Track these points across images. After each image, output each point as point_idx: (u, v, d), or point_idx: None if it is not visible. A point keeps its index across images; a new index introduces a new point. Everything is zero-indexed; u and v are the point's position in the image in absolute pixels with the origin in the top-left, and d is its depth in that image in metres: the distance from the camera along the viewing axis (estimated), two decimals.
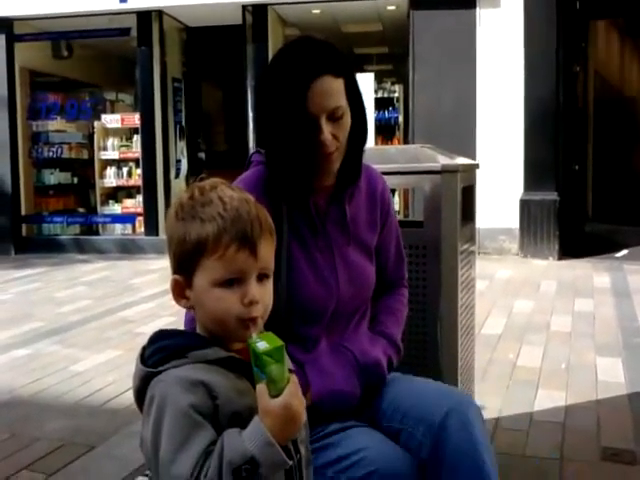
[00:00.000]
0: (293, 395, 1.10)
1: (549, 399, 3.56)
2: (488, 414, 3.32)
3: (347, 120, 1.71)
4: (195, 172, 9.61)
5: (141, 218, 9.30)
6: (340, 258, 1.78)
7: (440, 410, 1.61)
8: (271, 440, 1.06)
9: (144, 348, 1.20)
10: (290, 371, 1.15)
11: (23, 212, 9.56)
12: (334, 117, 1.67)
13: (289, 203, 1.74)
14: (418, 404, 1.67)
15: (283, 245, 1.69)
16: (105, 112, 9.75)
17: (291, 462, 1.10)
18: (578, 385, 3.75)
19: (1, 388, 4.00)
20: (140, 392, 1.17)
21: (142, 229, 9.27)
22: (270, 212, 1.66)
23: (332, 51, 1.69)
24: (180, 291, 1.19)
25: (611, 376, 3.88)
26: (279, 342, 1.12)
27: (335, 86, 1.66)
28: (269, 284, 1.21)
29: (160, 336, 1.21)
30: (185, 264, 1.18)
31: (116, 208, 9.55)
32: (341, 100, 1.68)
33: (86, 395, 3.86)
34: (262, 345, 1.11)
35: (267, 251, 1.19)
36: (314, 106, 1.64)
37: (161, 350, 1.16)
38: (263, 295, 1.18)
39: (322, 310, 1.74)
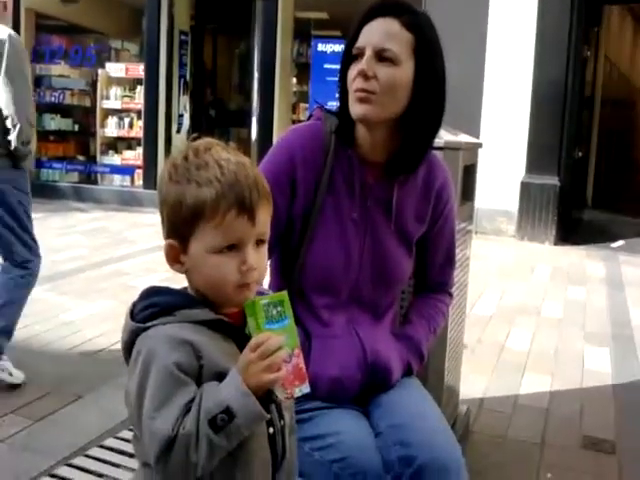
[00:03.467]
0: (252, 348, 1.08)
1: (535, 384, 3.60)
2: (473, 394, 3.35)
3: (400, 73, 1.60)
4: (198, 128, 9.54)
5: (140, 171, 9.25)
6: (372, 236, 1.70)
7: (428, 454, 1.51)
8: (246, 390, 1.06)
9: (134, 303, 1.19)
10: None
11: None
12: (382, 57, 1.58)
13: (337, 161, 1.68)
14: (413, 429, 1.56)
15: (317, 201, 1.66)
16: (110, 60, 9.63)
17: (269, 416, 1.11)
18: (564, 372, 3.79)
19: None
20: (128, 346, 1.17)
21: (140, 182, 9.23)
22: (316, 168, 1.66)
23: (404, 4, 1.64)
24: (175, 256, 1.17)
25: (598, 365, 3.92)
26: (259, 298, 1.13)
27: (395, 30, 1.59)
28: (264, 249, 1.20)
29: (151, 292, 1.20)
30: (180, 229, 1.16)
31: (116, 159, 9.49)
32: (397, 47, 1.58)
33: (76, 344, 3.88)
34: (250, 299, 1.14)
35: (264, 216, 1.18)
36: (363, 38, 1.60)
37: (151, 306, 1.16)
38: (259, 261, 1.18)
39: (337, 281, 1.68)
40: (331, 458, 1.54)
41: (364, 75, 1.58)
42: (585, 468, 2.78)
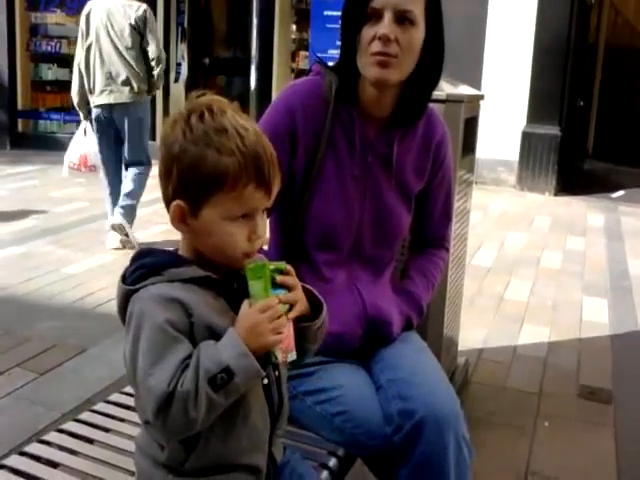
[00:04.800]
0: (261, 310, 1.12)
1: (533, 334, 3.64)
2: (472, 344, 3.40)
3: (418, 34, 1.59)
4: (195, 78, 9.42)
5: None
6: (372, 193, 1.71)
7: (428, 407, 1.51)
8: (245, 349, 1.09)
9: (126, 268, 1.21)
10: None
11: (19, 107, 9.40)
12: (403, 19, 1.55)
13: (337, 117, 1.67)
14: (413, 382, 1.58)
15: (317, 158, 1.66)
16: None
17: (265, 373, 1.14)
18: (563, 322, 3.83)
19: None
20: (122, 310, 1.19)
21: None
22: (316, 123, 1.65)
23: None
24: (181, 217, 1.17)
25: (596, 316, 3.96)
26: (268, 263, 1.17)
27: None
28: (265, 216, 1.22)
29: (139, 255, 1.22)
30: (194, 193, 1.15)
31: None
32: (416, 8, 1.56)
33: (79, 297, 3.91)
34: (251, 262, 1.17)
35: (276, 189, 1.20)
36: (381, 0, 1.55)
37: (139, 268, 1.18)
38: (264, 229, 1.21)
39: (338, 237, 1.69)
40: (333, 411, 1.58)
41: (386, 39, 1.55)
42: (582, 417, 2.84)
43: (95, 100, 4.84)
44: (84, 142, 5.06)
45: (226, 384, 1.08)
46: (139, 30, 4.78)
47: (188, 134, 1.15)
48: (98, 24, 4.78)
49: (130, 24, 4.75)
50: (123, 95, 4.80)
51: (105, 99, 4.80)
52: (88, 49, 4.81)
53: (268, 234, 1.78)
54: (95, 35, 4.79)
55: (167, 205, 1.19)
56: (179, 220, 1.17)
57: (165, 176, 1.18)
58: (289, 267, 1.20)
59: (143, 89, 4.89)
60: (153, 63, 4.83)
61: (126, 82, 4.78)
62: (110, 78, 4.77)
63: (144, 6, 4.86)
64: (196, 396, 1.07)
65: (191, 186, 1.15)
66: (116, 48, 4.77)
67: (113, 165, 5.03)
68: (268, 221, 1.75)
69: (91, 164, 5.08)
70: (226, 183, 1.13)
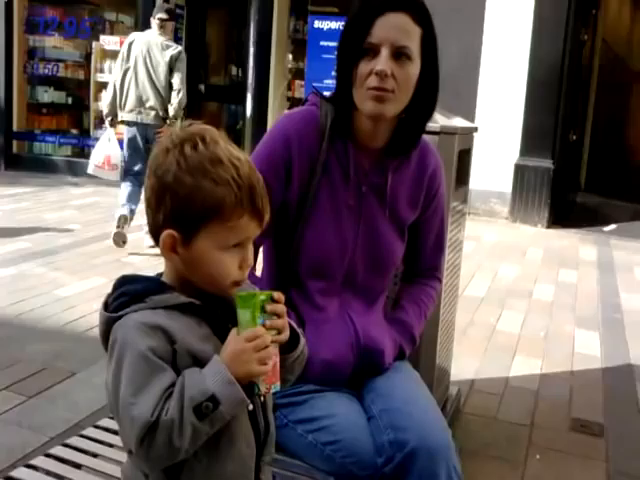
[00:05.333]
0: (248, 338, 1.11)
1: (525, 366, 3.63)
2: (464, 375, 3.39)
3: (414, 70, 1.60)
4: (192, 104, 9.44)
5: None
6: (366, 222, 1.72)
7: (419, 439, 1.50)
8: (231, 378, 1.08)
9: (108, 295, 1.20)
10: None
11: (15, 128, 9.42)
12: (400, 55, 1.57)
13: (332, 147, 1.68)
14: (404, 413, 1.57)
15: (312, 187, 1.67)
16: (104, 33, 9.52)
17: (249, 401, 1.12)
18: (554, 355, 3.82)
19: None
20: (104, 338, 1.17)
21: None
22: (311, 153, 1.67)
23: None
24: (173, 246, 1.16)
25: (587, 349, 3.95)
26: (258, 293, 1.17)
27: (409, 27, 1.57)
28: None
29: (121, 282, 1.20)
30: (188, 222, 1.14)
31: None
32: (412, 44, 1.57)
33: (70, 320, 3.88)
34: (243, 290, 1.17)
35: (267, 219, 1.20)
36: (377, 34, 1.56)
37: (121, 296, 1.16)
38: (252, 256, 1.21)
39: (331, 266, 1.69)
40: (324, 440, 1.56)
41: (383, 75, 1.56)
42: (573, 450, 2.82)
43: (124, 116, 5.65)
44: (108, 146, 5.81)
45: (211, 412, 1.07)
46: (171, 66, 5.57)
47: (183, 164, 1.14)
48: (138, 54, 5.58)
49: (165, 61, 5.54)
50: (148, 117, 5.59)
51: (132, 117, 5.61)
52: (125, 72, 5.60)
53: (261, 261, 1.79)
54: (134, 62, 5.59)
55: (155, 233, 1.18)
56: (170, 249, 1.16)
57: (156, 204, 1.16)
58: (279, 295, 1.19)
59: (165, 116, 5.61)
60: (174, 93, 5.57)
61: (153, 108, 5.58)
62: (140, 101, 5.58)
63: (180, 47, 5.75)
64: (181, 425, 1.06)
65: (186, 216, 1.14)
66: (150, 78, 5.55)
67: (138, 180, 5.61)
68: (261, 249, 1.77)
69: (114, 163, 5.79)
70: (222, 214, 1.13)
